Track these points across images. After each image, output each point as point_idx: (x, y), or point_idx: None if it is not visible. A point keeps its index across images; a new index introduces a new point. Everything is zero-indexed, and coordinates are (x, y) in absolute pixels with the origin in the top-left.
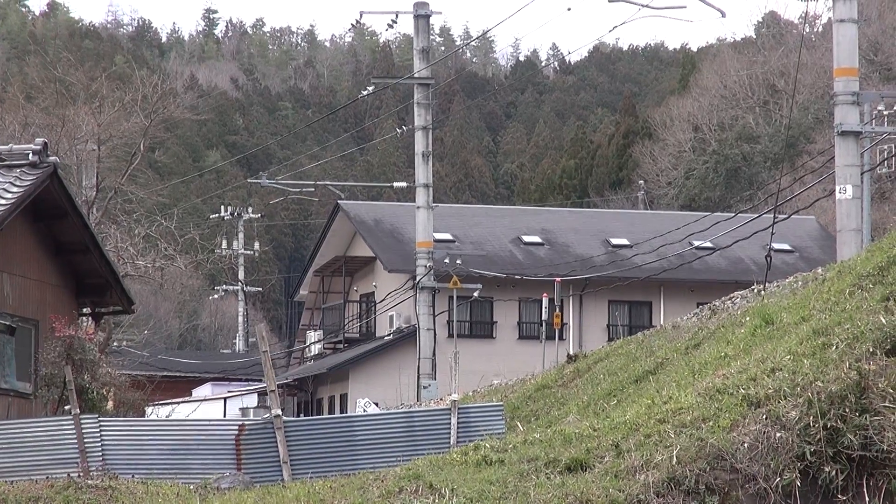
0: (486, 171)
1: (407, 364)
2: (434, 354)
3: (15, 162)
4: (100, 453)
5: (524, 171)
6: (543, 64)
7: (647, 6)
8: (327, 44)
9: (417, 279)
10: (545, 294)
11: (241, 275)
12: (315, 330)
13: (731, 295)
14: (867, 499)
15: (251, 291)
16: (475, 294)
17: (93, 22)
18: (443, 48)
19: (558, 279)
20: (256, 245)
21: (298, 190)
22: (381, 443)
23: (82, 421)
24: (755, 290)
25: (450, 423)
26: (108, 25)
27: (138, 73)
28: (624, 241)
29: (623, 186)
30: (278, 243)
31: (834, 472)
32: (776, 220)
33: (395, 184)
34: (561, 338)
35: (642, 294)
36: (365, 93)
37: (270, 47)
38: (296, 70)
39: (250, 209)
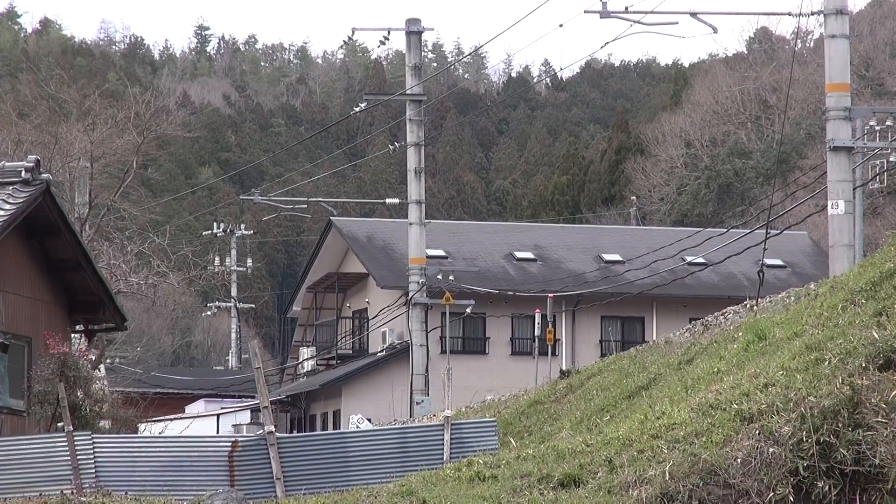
0: (478, 187)
1: (400, 380)
2: (427, 370)
3: (7, 179)
4: (93, 470)
5: (516, 187)
6: (535, 80)
7: (638, 22)
8: (319, 60)
9: (410, 295)
10: (538, 310)
11: (233, 291)
12: (308, 346)
13: (724, 310)
14: None
15: (244, 308)
16: (468, 310)
17: (85, 39)
18: (435, 64)
19: (551, 295)
20: (249, 262)
21: (291, 206)
22: (375, 459)
23: (75, 438)
24: (748, 306)
25: (443, 440)
26: (101, 43)
27: (131, 90)
28: (616, 257)
29: (615, 202)
30: (271, 260)
31: (827, 487)
32: (768, 236)
33: (388, 200)
34: (554, 353)
35: (635, 309)
36: (357, 109)
37: (263, 64)
38: (288, 87)
39: (243, 226)
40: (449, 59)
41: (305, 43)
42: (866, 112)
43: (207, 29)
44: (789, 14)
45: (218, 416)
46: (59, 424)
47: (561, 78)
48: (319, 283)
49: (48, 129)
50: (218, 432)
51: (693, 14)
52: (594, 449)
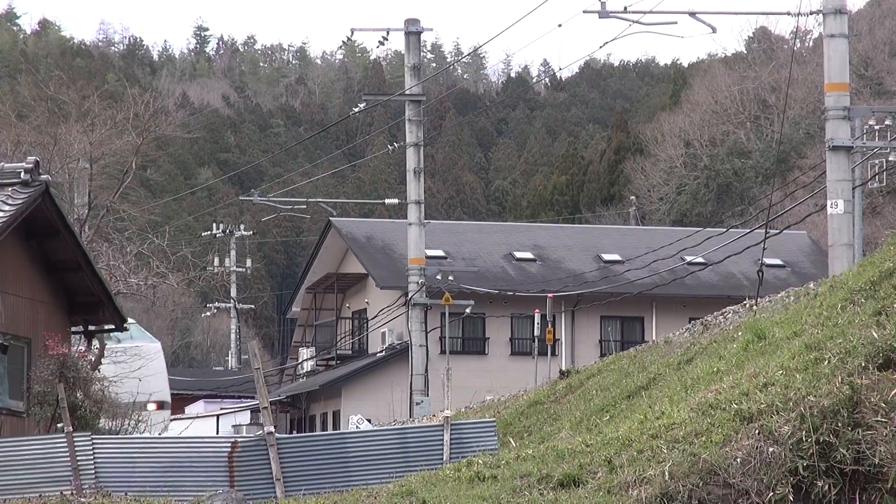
0: (477, 187)
1: (399, 380)
2: (426, 371)
3: (7, 180)
4: (93, 471)
5: (516, 187)
6: (534, 80)
7: (637, 22)
8: (318, 61)
9: (409, 296)
10: (537, 310)
11: (233, 292)
12: (307, 347)
13: (724, 310)
14: None
15: (243, 309)
16: (467, 310)
17: (84, 40)
18: (434, 65)
19: (550, 295)
20: (248, 262)
21: (290, 207)
22: (374, 459)
23: (75, 439)
24: (747, 306)
25: (442, 440)
26: (100, 44)
27: (130, 91)
28: (616, 257)
29: (615, 202)
30: (270, 260)
31: (827, 487)
32: (768, 236)
33: (387, 200)
34: (553, 353)
35: (634, 309)
36: (356, 110)
37: (262, 65)
38: (287, 87)
39: (242, 226)
40: (448, 60)
41: (304, 43)
42: (865, 111)
43: (206, 30)
44: (788, 14)
45: (218, 416)
46: (59, 425)
47: (560, 78)
48: (319, 284)
49: (47, 130)
50: (218, 433)
51: (692, 14)
52: (594, 449)
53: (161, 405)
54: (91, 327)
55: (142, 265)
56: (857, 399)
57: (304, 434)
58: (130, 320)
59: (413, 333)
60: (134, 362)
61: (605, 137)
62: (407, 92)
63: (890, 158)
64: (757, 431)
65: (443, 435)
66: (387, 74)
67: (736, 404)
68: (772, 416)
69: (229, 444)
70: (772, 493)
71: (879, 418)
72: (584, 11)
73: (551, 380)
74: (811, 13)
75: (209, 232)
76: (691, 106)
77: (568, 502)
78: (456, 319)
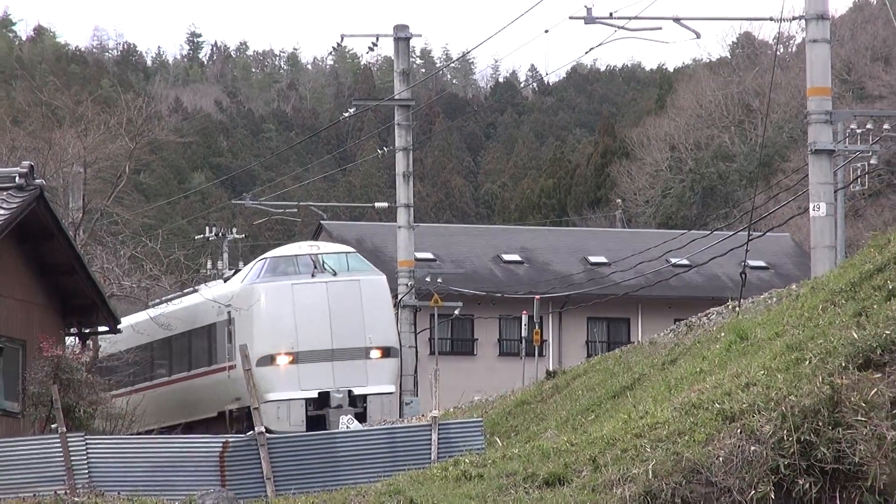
0: (466, 191)
1: None
2: (416, 371)
3: (2, 185)
4: (86, 471)
5: (504, 190)
6: (522, 85)
7: (623, 28)
8: (309, 66)
9: (399, 298)
10: (525, 311)
11: None
12: None
13: (707, 311)
14: None
15: None
16: (456, 312)
17: (79, 46)
18: (423, 70)
19: (538, 297)
20: (241, 265)
21: (282, 210)
22: (363, 459)
23: (69, 439)
24: (730, 307)
25: (430, 439)
26: (94, 50)
27: (123, 96)
28: (602, 259)
29: (601, 205)
30: None
31: (808, 485)
32: (751, 238)
33: (377, 204)
34: (540, 354)
35: (620, 311)
36: (346, 115)
37: (254, 70)
38: (279, 92)
39: (234, 230)
40: (437, 65)
41: (296, 49)
42: (847, 115)
43: (199, 36)
44: (771, 19)
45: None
46: (53, 426)
47: (547, 83)
48: None
49: (42, 135)
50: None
51: (676, 19)
52: (579, 448)
53: (386, 352)
54: (85, 329)
55: (135, 268)
56: (838, 399)
57: (294, 434)
58: (349, 249)
59: (402, 335)
60: (352, 300)
61: (591, 141)
62: (396, 97)
63: (871, 162)
64: (739, 431)
65: (430, 435)
66: (376, 79)
67: (718, 404)
68: (753, 416)
69: (221, 444)
70: (753, 492)
71: (859, 417)
72: (571, 17)
73: (538, 380)
74: (794, 19)
75: (202, 235)
76: (676, 110)
77: (553, 501)
78: (445, 321)
